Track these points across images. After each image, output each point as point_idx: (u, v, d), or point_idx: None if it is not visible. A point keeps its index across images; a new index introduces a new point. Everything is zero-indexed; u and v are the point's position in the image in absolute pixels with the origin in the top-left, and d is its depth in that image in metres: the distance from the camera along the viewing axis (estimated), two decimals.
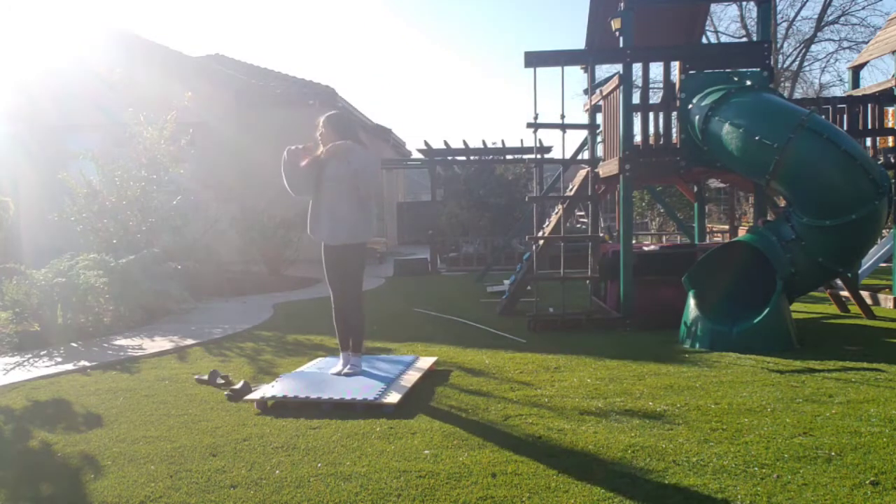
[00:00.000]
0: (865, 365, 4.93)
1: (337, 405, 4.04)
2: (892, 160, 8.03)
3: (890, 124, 8.59)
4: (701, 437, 3.44)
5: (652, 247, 8.24)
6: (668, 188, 16.26)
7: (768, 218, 7.08)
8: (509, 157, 15.67)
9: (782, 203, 7.66)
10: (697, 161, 6.80)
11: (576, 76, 27.78)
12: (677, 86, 6.96)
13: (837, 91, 26.91)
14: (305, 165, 4.66)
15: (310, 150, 4.70)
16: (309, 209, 4.74)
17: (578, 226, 15.31)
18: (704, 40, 19.24)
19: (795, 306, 6.96)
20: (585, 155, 9.31)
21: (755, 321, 5.63)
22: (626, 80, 6.91)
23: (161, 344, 6.26)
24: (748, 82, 6.62)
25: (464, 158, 15.62)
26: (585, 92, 9.68)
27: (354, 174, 4.53)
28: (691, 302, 6.01)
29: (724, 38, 28.45)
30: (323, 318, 7.58)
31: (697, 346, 5.75)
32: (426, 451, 3.30)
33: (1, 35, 12.68)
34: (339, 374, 4.66)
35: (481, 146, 15.43)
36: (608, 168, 7.48)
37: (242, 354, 5.83)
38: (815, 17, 28.45)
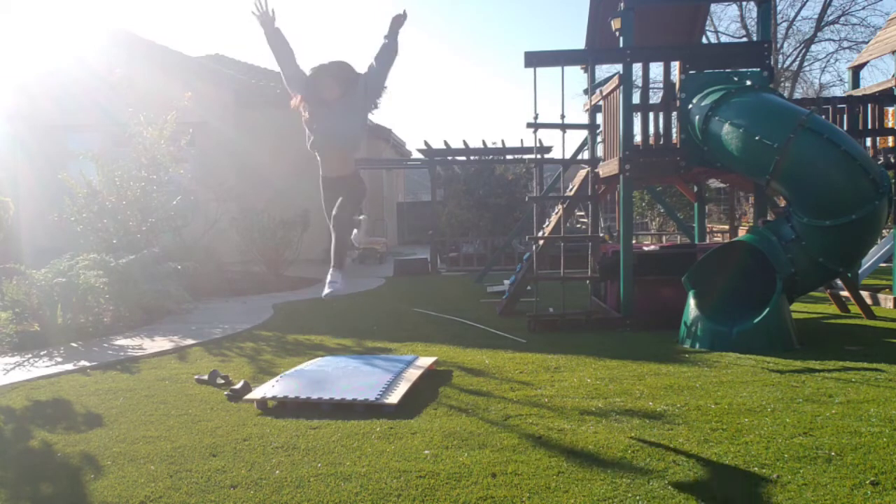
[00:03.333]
0: (865, 365, 4.93)
1: (337, 405, 4.04)
2: (892, 160, 8.03)
3: (890, 124, 8.59)
4: (701, 437, 3.44)
5: (652, 247, 8.24)
6: (668, 188, 16.25)
7: (768, 218, 7.08)
8: (509, 157, 15.62)
9: (782, 203, 7.67)
10: (697, 161, 6.80)
11: (576, 76, 27.76)
12: (677, 86, 6.96)
13: (837, 91, 26.93)
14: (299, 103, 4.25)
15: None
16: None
17: (578, 226, 15.30)
18: (704, 40, 19.27)
19: (795, 306, 6.95)
20: (585, 155, 9.31)
21: (755, 321, 5.63)
22: (626, 80, 6.91)
23: (161, 344, 6.26)
24: (748, 82, 6.62)
25: (464, 158, 15.58)
26: (585, 92, 9.68)
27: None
28: (691, 302, 6.00)
29: (724, 38, 28.45)
30: (323, 318, 7.59)
31: (697, 346, 5.74)
32: (426, 451, 3.30)
33: (1, 35, 12.68)
34: (325, 293, 4.29)
35: (481, 146, 15.40)
36: (608, 168, 7.48)
37: (242, 354, 5.83)
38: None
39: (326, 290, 4.43)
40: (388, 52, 4.22)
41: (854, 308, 7.46)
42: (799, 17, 29.83)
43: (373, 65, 4.21)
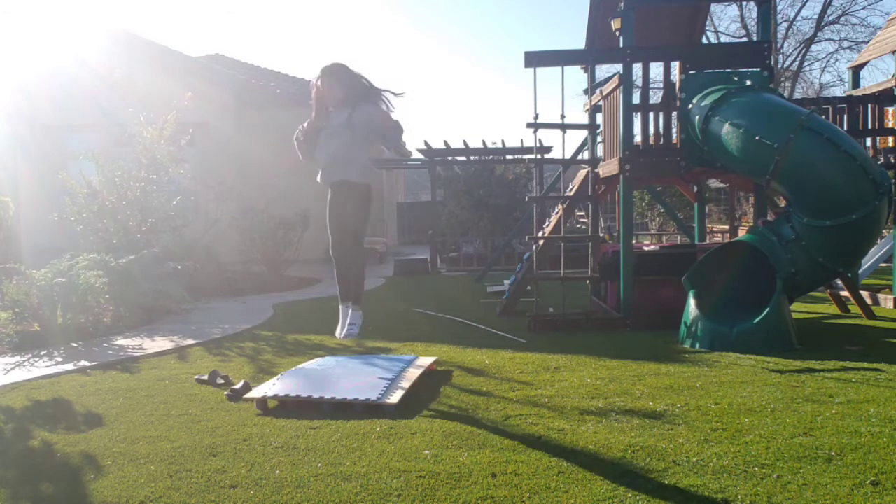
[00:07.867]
0: (865, 365, 4.93)
1: (337, 405, 4.04)
2: (892, 160, 8.03)
3: (890, 124, 8.59)
4: (701, 437, 3.44)
5: (652, 247, 8.24)
6: (668, 188, 16.26)
7: (768, 218, 7.08)
8: (509, 157, 15.63)
9: (782, 203, 7.67)
10: (697, 161, 6.80)
11: (576, 76, 27.75)
12: (677, 86, 6.96)
13: (837, 91, 26.94)
14: (310, 131, 4.46)
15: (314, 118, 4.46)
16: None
17: (578, 226, 15.31)
18: (704, 40, 19.27)
19: (795, 306, 6.95)
20: (585, 155, 9.31)
21: (755, 321, 5.63)
22: (626, 80, 6.91)
23: (161, 344, 6.26)
24: (748, 82, 6.62)
25: (464, 158, 15.59)
26: (585, 92, 9.68)
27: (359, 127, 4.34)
28: (691, 302, 6.00)
29: (724, 38, 28.49)
30: (323, 318, 7.59)
31: (697, 346, 5.74)
32: (426, 451, 3.30)
33: (1, 35, 12.69)
34: (340, 335, 4.54)
35: (481, 146, 15.41)
36: (608, 168, 7.48)
37: (242, 354, 5.83)
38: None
39: (344, 332, 4.49)
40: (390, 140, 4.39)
41: (854, 308, 7.46)
42: (799, 17, 29.88)
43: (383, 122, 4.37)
